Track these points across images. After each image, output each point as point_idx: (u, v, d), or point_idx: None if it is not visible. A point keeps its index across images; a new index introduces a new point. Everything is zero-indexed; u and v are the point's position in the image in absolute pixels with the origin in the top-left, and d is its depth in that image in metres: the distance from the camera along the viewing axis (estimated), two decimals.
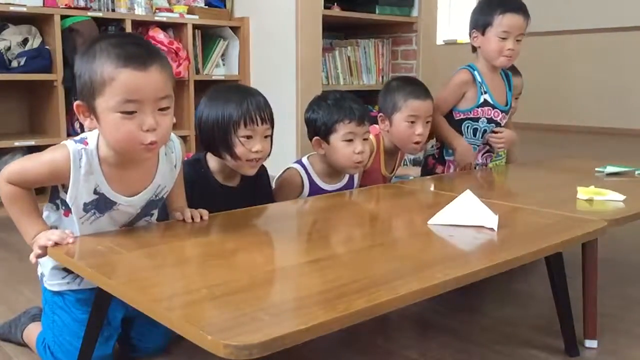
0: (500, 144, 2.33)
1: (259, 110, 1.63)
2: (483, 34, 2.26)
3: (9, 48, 3.12)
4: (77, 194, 1.29)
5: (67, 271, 1.39)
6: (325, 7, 3.64)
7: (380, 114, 2.16)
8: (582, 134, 6.77)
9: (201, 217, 1.44)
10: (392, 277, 1.08)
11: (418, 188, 2.00)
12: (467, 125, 2.31)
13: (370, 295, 0.97)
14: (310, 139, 1.95)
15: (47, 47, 3.16)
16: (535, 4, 8.34)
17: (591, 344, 1.59)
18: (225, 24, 3.85)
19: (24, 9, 3.05)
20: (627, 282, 2.11)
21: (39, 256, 1.27)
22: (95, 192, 1.30)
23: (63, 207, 1.36)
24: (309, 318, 0.88)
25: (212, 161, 1.72)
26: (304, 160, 1.98)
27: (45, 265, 1.41)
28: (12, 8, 3.02)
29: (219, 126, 1.62)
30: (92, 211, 1.32)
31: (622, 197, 1.69)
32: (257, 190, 1.79)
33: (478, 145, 2.34)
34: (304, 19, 3.51)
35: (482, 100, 2.28)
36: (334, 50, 3.92)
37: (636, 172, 2.13)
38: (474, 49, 2.35)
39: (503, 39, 2.20)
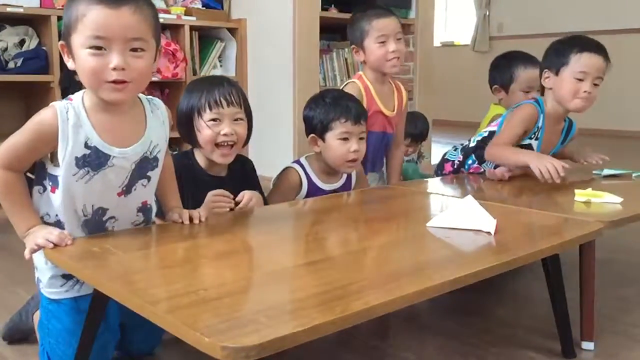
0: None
1: (224, 94, 1.65)
2: (557, 73, 2.05)
3: (6, 49, 3.11)
4: (67, 147, 1.26)
5: (65, 278, 1.37)
6: (323, 9, 3.64)
7: (353, 46, 2.20)
8: (580, 136, 6.77)
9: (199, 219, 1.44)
10: (389, 279, 1.08)
11: (416, 190, 2.00)
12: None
13: (368, 297, 0.97)
14: (308, 137, 1.96)
15: (43, 48, 3.15)
16: (533, 6, 8.28)
17: (588, 345, 1.59)
18: (222, 26, 3.84)
19: (21, 10, 3.04)
20: (624, 284, 2.11)
21: (33, 251, 1.26)
22: (87, 146, 1.27)
23: (50, 183, 1.32)
24: (306, 320, 0.88)
25: (199, 154, 1.74)
26: (302, 159, 1.98)
27: (43, 272, 1.38)
28: (9, 9, 3.01)
29: (187, 114, 1.67)
30: (86, 169, 1.28)
31: (619, 199, 1.69)
32: (245, 180, 1.79)
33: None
34: (301, 20, 3.51)
35: (526, 142, 2.10)
36: (331, 52, 3.92)
37: (633, 175, 2.13)
38: (543, 90, 2.16)
39: (579, 79, 2.00)
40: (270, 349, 0.82)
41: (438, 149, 3.67)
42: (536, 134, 2.10)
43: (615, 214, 1.59)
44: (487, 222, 1.39)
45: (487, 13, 8.23)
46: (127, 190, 1.36)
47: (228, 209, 1.57)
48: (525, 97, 2.41)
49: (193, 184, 1.66)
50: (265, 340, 0.81)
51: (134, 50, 1.24)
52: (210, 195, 1.58)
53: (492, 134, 2.20)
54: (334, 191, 1.97)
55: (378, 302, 0.96)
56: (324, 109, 1.91)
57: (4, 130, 3.33)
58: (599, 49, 2.04)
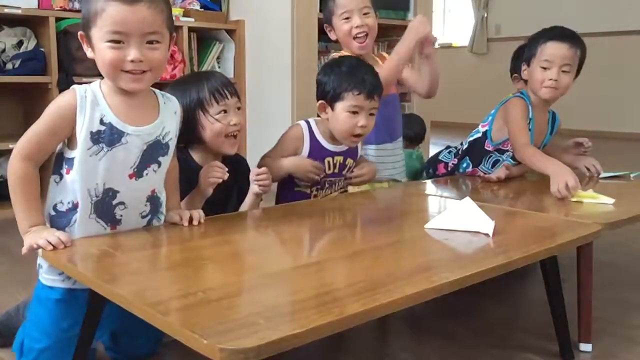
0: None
1: (225, 85, 1.68)
2: (529, 65, 2.14)
3: (4, 50, 3.10)
4: (84, 121, 1.31)
5: None
6: (321, 10, 3.64)
7: (325, 24, 2.23)
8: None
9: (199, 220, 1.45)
10: (387, 280, 1.08)
11: (414, 191, 2.00)
12: (490, 156, 2.20)
13: (366, 299, 0.97)
14: (317, 101, 1.90)
15: (41, 49, 3.15)
16: (531, 8, 8.26)
17: (586, 347, 1.59)
18: (221, 27, 3.84)
19: (19, 11, 3.04)
20: (622, 285, 2.11)
21: (31, 250, 1.27)
22: (102, 122, 1.32)
23: (67, 167, 1.35)
24: (305, 322, 0.88)
25: (194, 151, 1.74)
26: (311, 119, 1.93)
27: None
28: (6, 10, 3.00)
29: (191, 112, 1.65)
30: (100, 145, 1.32)
31: (611, 200, 1.69)
32: (240, 177, 1.78)
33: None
34: (299, 21, 3.51)
35: None
36: (330, 53, 3.91)
37: (631, 176, 2.13)
38: (526, 83, 2.21)
39: (545, 68, 2.06)
40: (268, 350, 0.82)
41: (436, 151, 3.67)
42: (529, 125, 2.12)
43: (614, 216, 1.59)
44: (485, 224, 1.39)
45: (485, 15, 8.25)
46: (138, 173, 1.38)
47: (221, 180, 1.61)
48: None
49: (189, 180, 1.66)
50: (264, 342, 0.81)
51: (150, 42, 1.31)
52: (206, 166, 1.62)
53: (485, 134, 2.21)
54: (339, 153, 1.91)
55: (376, 303, 0.96)
56: (338, 77, 1.83)
57: (2, 131, 3.35)
58: (564, 37, 2.06)
